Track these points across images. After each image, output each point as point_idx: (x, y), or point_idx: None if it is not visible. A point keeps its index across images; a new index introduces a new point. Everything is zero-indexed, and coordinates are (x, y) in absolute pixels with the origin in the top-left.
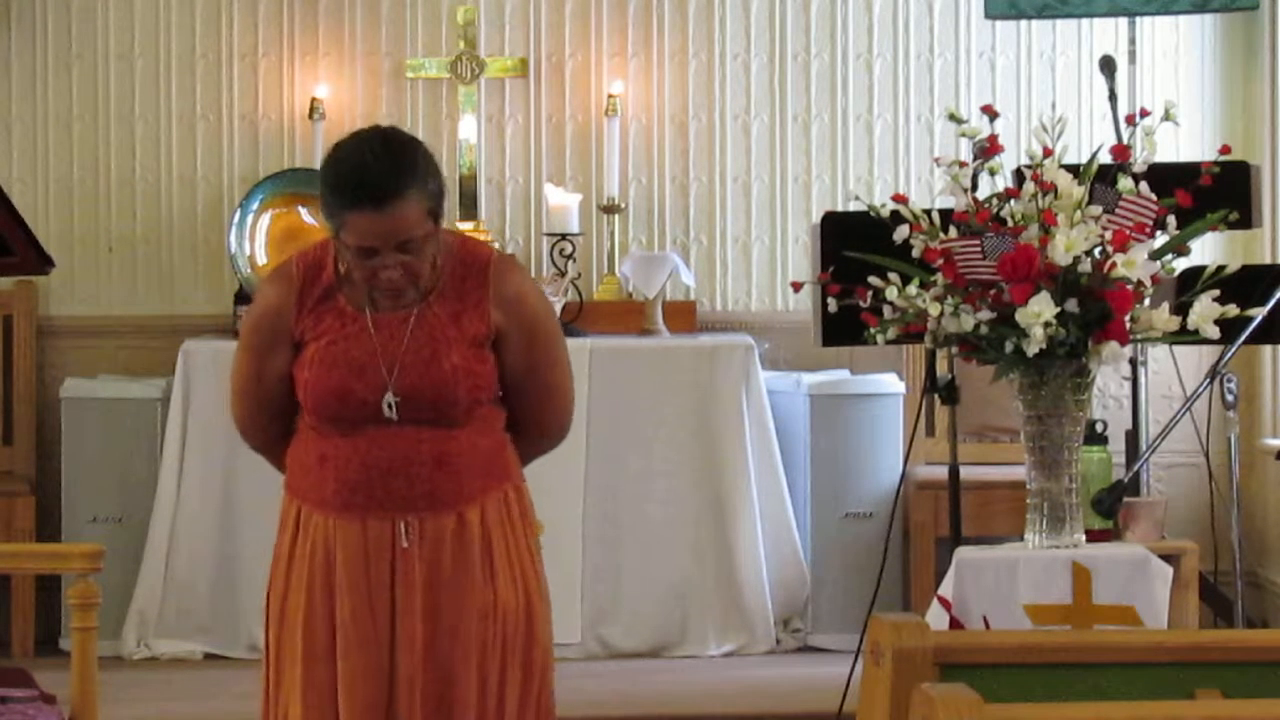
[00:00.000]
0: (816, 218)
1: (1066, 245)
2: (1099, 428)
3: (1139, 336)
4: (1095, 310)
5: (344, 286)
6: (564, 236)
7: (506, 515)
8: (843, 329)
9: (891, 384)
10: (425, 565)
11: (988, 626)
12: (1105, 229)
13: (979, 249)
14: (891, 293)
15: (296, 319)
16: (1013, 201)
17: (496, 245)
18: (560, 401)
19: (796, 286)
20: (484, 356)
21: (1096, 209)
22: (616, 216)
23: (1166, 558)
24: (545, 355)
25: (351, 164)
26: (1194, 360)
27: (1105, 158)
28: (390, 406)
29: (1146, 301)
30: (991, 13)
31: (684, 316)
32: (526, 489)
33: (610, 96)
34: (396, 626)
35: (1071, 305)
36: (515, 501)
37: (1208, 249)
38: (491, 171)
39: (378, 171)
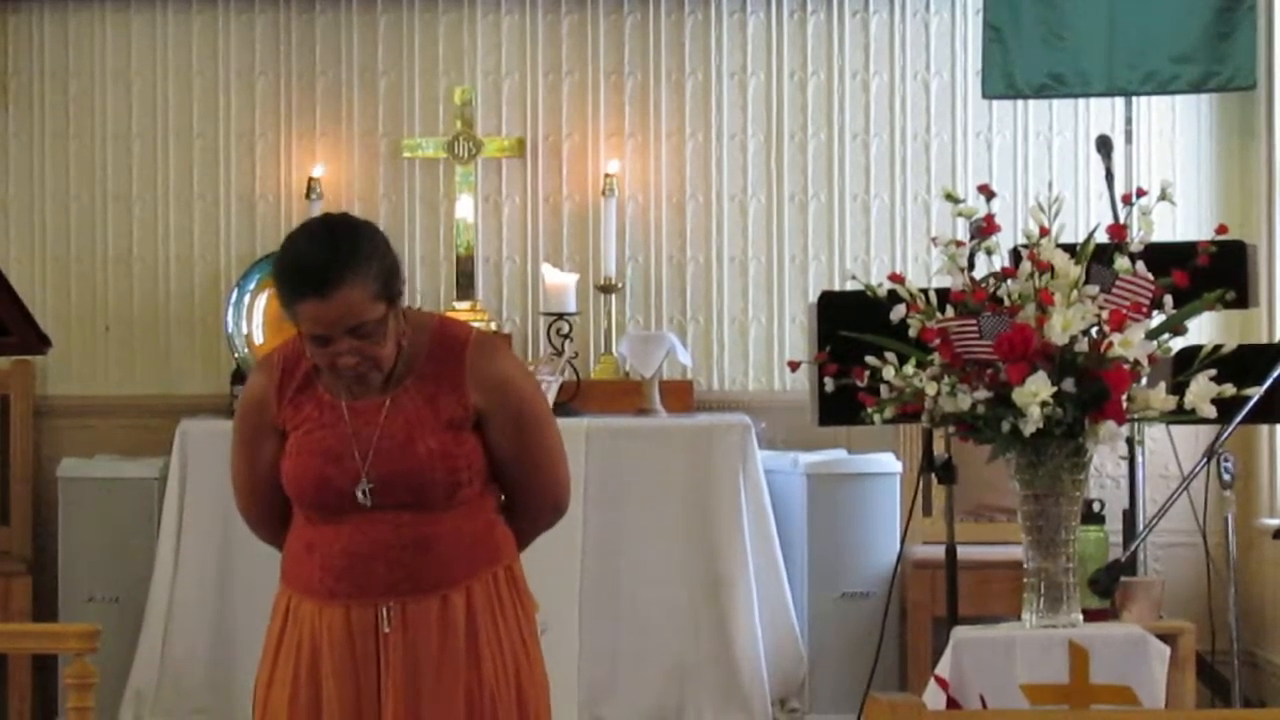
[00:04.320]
0: (813, 297)
1: (1063, 325)
2: (1096, 507)
3: (1136, 416)
4: (1092, 390)
5: (322, 375)
6: (561, 316)
7: (496, 597)
8: (839, 408)
9: (888, 463)
10: (408, 649)
11: (985, 706)
12: (1102, 308)
13: (976, 328)
14: (888, 372)
15: (278, 409)
16: (1009, 281)
17: (489, 325)
18: (551, 482)
19: (793, 366)
20: (462, 439)
21: (1093, 288)
22: (613, 296)
23: (1164, 637)
24: (534, 437)
25: (294, 254)
26: (1191, 440)
27: (1102, 237)
28: (364, 494)
29: (1143, 381)
30: (988, 93)
31: (681, 396)
32: (520, 569)
33: (607, 176)
34: (383, 713)
35: (1068, 385)
36: (506, 583)
37: (1204, 328)
38: (488, 251)
39: (318, 259)
